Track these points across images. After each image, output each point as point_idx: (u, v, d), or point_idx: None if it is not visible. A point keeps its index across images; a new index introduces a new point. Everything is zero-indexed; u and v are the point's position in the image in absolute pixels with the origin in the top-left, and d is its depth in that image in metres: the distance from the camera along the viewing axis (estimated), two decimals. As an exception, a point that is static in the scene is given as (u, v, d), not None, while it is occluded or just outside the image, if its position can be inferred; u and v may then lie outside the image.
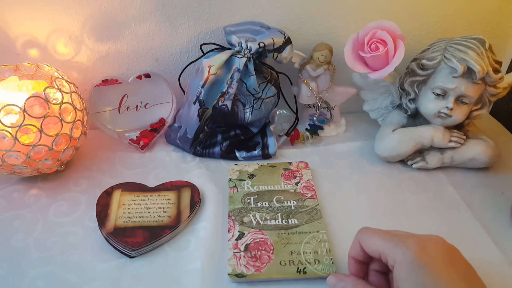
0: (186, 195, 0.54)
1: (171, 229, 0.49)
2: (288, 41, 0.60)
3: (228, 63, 0.59)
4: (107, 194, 0.54)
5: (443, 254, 0.34)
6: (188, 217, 0.51)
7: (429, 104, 0.58)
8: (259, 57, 0.61)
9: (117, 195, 0.54)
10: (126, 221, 0.50)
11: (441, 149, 0.61)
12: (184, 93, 0.67)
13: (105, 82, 0.64)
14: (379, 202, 0.56)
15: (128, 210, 0.52)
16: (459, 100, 0.57)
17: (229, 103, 0.59)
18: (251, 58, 0.59)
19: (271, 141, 0.64)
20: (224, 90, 0.58)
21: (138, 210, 0.52)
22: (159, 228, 0.49)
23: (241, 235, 0.49)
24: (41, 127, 0.51)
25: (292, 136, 0.68)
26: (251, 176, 0.59)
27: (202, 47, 0.64)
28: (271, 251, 0.46)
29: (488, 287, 0.34)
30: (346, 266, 0.42)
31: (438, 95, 0.57)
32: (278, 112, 0.72)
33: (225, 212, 0.53)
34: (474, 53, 0.53)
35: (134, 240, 0.47)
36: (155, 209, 0.52)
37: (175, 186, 0.56)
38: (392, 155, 0.62)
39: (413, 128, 0.61)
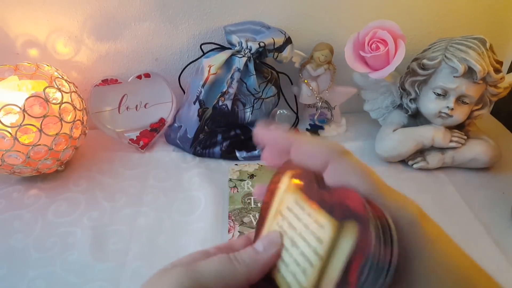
0: (347, 240, 0.20)
1: None
2: (288, 41, 0.60)
3: (228, 62, 0.59)
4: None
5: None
6: None
7: (430, 104, 0.58)
8: (259, 56, 0.60)
9: (284, 184, 0.25)
10: None
11: (442, 149, 0.60)
12: (184, 93, 0.67)
13: (105, 82, 0.64)
14: (379, 202, 0.56)
15: (280, 224, 0.24)
16: (460, 100, 0.56)
17: (229, 103, 0.59)
18: (251, 58, 0.58)
19: (271, 141, 0.64)
20: (224, 90, 0.58)
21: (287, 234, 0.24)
22: None
23: (241, 236, 0.48)
24: (40, 127, 0.51)
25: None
26: (251, 176, 0.59)
27: (202, 46, 0.64)
28: (271, 252, 0.46)
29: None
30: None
31: (439, 95, 0.56)
32: (278, 112, 0.72)
33: (225, 212, 0.53)
34: (475, 53, 0.53)
35: None
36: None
37: (346, 210, 0.21)
38: (393, 155, 0.62)
39: (414, 128, 0.61)
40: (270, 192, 0.26)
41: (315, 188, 0.22)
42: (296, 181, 0.24)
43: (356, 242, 0.19)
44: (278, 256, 0.23)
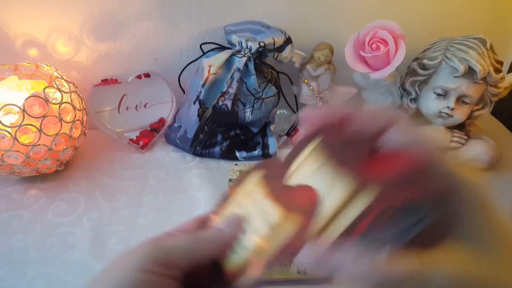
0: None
1: None
2: (288, 41, 0.60)
3: (228, 62, 0.59)
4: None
5: None
6: None
7: (430, 104, 0.58)
8: (260, 56, 0.60)
9: (254, 179, 0.29)
10: None
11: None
12: (184, 92, 0.67)
13: (105, 81, 0.64)
14: (380, 202, 0.55)
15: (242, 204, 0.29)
16: (460, 100, 0.56)
17: (229, 103, 0.58)
18: (251, 58, 0.58)
19: (272, 141, 0.64)
20: (224, 90, 0.58)
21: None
22: None
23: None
24: (40, 127, 0.51)
25: (293, 136, 0.68)
26: (251, 176, 0.59)
27: (202, 46, 0.64)
28: (272, 252, 0.46)
29: None
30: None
31: (439, 95, 0.56)
32: (278, 112, 0.72)
33: (225, 213, 0.53)
34: (475, 53, 0.53)
35: None
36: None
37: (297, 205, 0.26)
38: (393, 155, 0.61)
39: (414, 128, 0.61)
40: (238, 184, 0.31)
41: (279, 186, 0.27)
42: (263, 179, 0.29)
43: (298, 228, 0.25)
44: (236, 237, 0.26)
